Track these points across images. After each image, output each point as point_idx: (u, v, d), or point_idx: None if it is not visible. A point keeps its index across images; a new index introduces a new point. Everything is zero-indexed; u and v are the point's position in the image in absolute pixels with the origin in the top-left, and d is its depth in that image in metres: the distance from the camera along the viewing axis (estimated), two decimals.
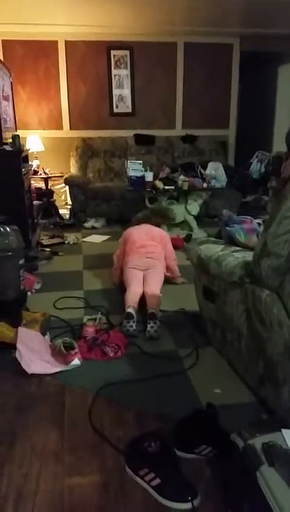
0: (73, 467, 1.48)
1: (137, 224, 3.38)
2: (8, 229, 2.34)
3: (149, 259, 2.99)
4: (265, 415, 1.72)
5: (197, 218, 4.68)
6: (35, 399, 1.87)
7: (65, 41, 5.57)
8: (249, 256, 1.83)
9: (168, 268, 3.11)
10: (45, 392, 1.92)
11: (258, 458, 1.15)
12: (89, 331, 2.36)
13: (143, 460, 1.39)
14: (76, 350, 2.14)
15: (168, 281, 3.11)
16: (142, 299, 2.69)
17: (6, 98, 3.95)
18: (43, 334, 2.34)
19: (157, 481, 1.35)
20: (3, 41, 5.44)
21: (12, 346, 2.12)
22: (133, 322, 2.43)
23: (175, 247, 3.38)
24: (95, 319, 2.48)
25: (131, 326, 2.41)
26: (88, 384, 1.96)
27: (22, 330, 2.23)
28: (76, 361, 2.11)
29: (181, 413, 1.59)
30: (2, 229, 2.32)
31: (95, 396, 1.85)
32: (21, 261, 2.40)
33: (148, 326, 2.41)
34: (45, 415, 1.76)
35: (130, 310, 2.49)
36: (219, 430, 1.51)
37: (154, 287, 2.76)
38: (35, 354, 2.11)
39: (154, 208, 3.99)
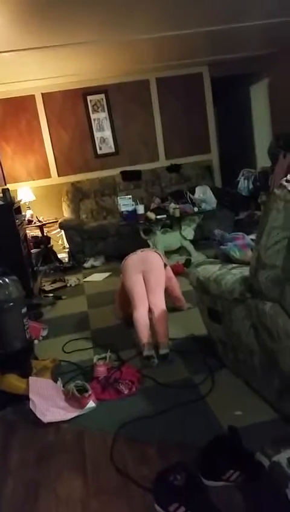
0: None
1: None
2: (6, 280, 2.35)
3: (145, 258, 2.96)
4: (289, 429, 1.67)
5: (193, 242, 4.71)
6: (54, 448, 1.83)
7: (42, 93, 5.79)
8: (246, 271, 1.84)
9: (170, 290, 3.06)
10: (63, 439, 1.88)
11: (286, 474, 1.12)
12: (101, 370, 2.34)
13: (171, 495, 1.35)
14: (89, 392, 2.11)
15: (174, 308, 3.09)
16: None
17: None
18: (55, 380, 2.30)
19: None
20: None
21: (26, 397, 2.09)
22: (154, 358, 2.43)
23: (176, 274, 3.37)
24: (105, 358, 2.46)
25: (153, 362, 2.42)
26: (106, 426, 1.92)
27: (32, 380, 2.20)
28: (91, 404, 2.08)
29: (204, 441, 1.55)
30: (0, 281, 2.33)
31: (114, 437, 1.81)
32: (23, 310, 2.40)
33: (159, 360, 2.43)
34: (66, 462, 1.72)
35: (147, 351, 2.45)
36: (244, 453, 1.47)
37: (158, 296, 2.73)
38: (49, 402, 2.07)
39: None
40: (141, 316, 2.63)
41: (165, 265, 2.99)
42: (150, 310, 2.68)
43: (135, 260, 2.97)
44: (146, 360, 2.44)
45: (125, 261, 3.02)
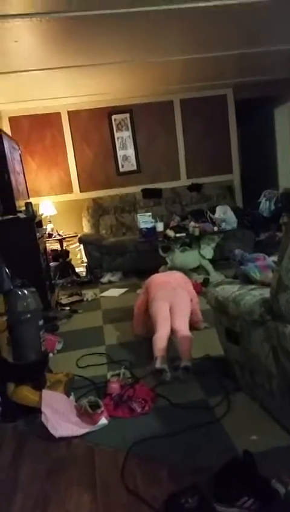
0: None
1: None
2: (25, 291, 2.38)
3: (174, 290, 2.98)
4: None
5: (212, 261, 4.68)
6: (65, 462, 1.81)
7: (68, 111, 5.93)
8: (266, 293, 1.81)
9: (192, 312, 3.06)
10: (74, 454, 1.86)
11: None
12: (114, 387, 2.31)
13: None
14: (102, 409, 2.08)
15: (191, 326, 3.05)
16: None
17: (17, 170, 4.17)
18: (68, 394, 2.29)
19: None
20: (10, 118, 5.82)
21: (38, 410, 2.08)
22: (167, 373, 2.41)
23: None
24: (119, 374, 2.44)
25: (166, 376, 2.40)
26: (118, 444, 1.89)
27: (46, 393, 2.19)
28: (103, 421, 2.06)
29: (218, 464, 1.51)
30: (20, 292, 2.35)
31: (126, 455, 1.78)
32: (40, 322, 2.41)
33: (178, 371, 2.41)
34: (76, 478, 1.69)
35: (159, 364, 2.43)
36: (259, 479, 1.42)
37: (183, 322, 2.74)
38: (61, 417, 2.06)
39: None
40: (160, 335, 2.65)
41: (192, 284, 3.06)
42: (173, 333, 2.69)
43: (164, 291, 2.98)
44: (158, 374, 2.41)
45: (152, 282, 3.09)
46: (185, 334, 2.63)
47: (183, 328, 2.70)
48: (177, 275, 3.30)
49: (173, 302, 2.88)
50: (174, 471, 1.65)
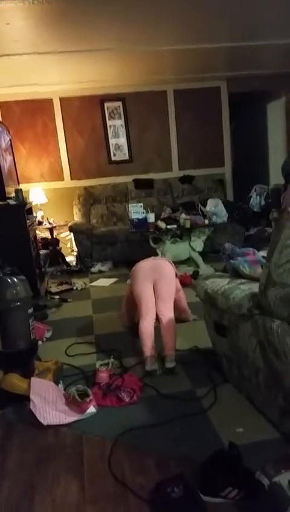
0: None
1: None
2: (15, 279, 2.36)
3: (158, 267, 2.92)
4: None
5: (202, 254, 4.71)
6: (53, 451, 1.83)
7: (60, 98, 5.85)
8: (255, 287, 1.84)
9: (177, 301, 3.02)
10: (62, 443, 1.88)
11: (286, 496, 1.11)
12: (103, 376, 2.33)
13: (167, 507, 1.34)
14: (90, 397, 2.10)
15: (179, 319, 3.08)
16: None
17: (6, 155, 4.11)
18: (56, 383, 2.30)
19: None
20: (0, 103, 5.72)
21: (27, 398, 2.09)
22: (157, 370, 2.43)
23: (183, 285, 3.36)
24: (107, 364, 2.45)
25: (157, 372, 2.43)
26: (106, 432, 1.91)
27: (34, 381, 2.20)
28: (91, 409, 2.07)
29: (203, 455, 1.54)
30: (9, 280, 2.34)
31: (113, 444, 1.80)
32: (30, 310, 2.40)
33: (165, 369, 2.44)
34: (63, 466, 1.71)
35: (149, 366, 2.43)
36: (244, 471, 1.46)
37: (167, 307, 2.70)
38: (49, 405, 2.07)
39: None
40: (146, 326, 2.60)
41: (176, 274, 2.98)
42: (157, 319, 2.67)
43: (146, 267, 2.93)
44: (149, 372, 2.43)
45: (136, 267, 2.98)
46: (168, 320, 2.61)
47: (167, 313, 2.66)
48: (164, 260, 3.20)
49: (157, 277, 2.80)
50: (161, 461, 1.68)
